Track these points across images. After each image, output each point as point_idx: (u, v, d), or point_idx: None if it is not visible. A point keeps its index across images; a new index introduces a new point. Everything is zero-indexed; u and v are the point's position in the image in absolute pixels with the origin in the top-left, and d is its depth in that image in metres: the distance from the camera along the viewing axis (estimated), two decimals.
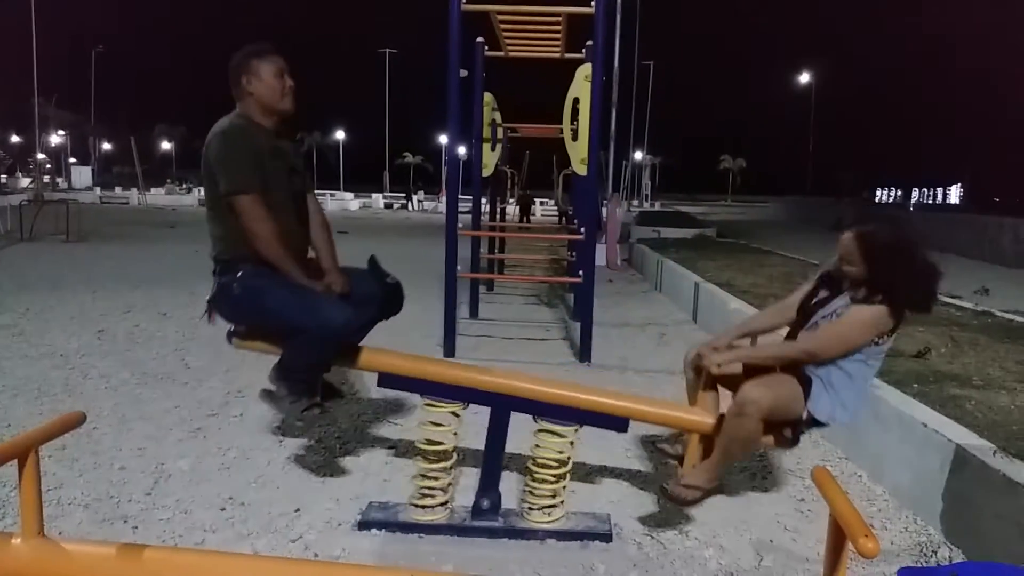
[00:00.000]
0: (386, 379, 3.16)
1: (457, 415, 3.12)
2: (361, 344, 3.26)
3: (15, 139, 65.64)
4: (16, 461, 1.83)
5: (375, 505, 3.30)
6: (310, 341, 2.96)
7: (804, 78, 56.11)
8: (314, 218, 3.32)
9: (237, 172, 2.93)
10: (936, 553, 3.06)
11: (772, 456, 4.11)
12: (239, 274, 3.00)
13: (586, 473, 3.82)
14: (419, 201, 43.70)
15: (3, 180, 52.34)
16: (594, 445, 4.21)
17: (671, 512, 3.34)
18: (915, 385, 4.17)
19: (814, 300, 3.09)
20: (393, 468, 3.80)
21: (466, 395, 3.09)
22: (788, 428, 3.03)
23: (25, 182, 48.95)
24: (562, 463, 3.13)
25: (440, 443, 3.11)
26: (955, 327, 6.11)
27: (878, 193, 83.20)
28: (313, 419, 3.09)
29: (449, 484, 3.19)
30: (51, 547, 1.71)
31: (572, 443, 3.11)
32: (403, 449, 4.01)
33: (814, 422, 2.99)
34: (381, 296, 3.27)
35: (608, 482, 3.76)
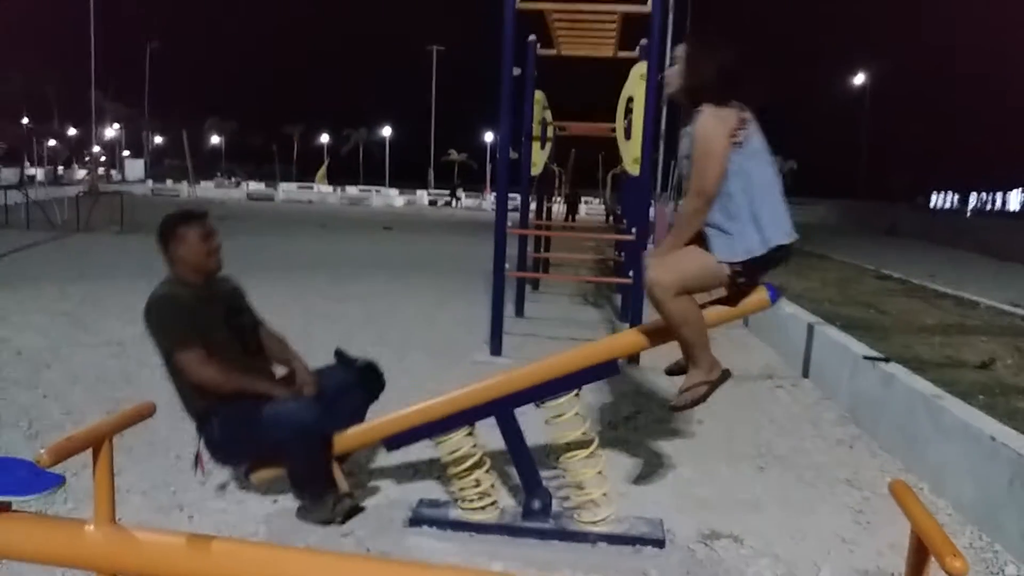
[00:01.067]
0: (390, 441, 3.19)
1: (471, 433, 3.12)
2: (364, 418, 3.36)
3: (72, 131, 67.46)
4: (90, 450, 1.86)
5: (426, 502, 3.30)
6: (296, 447, 3.04)
7: (859, 79, 54.95)
8: (272, 341, 3.42)
9: (169, 335, 3.07)
10: (1003, 571, 2.95)
11: (826, 466, 4.01)
12: (212, 422, 3.11)
13: (637, 476, 3.78)
14: (456, 199, 43.88)
15: (60, 172, 53.87)
16: (643, 446, 4.17)
17: (724, 518, 3.28)
18: (980, 397, 4.04)
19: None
20: (443, 465, 3.79)
21: (465, 418, 3.08)
22: (726, 287, 2.88)
23: (81, 174, 50.29)
24: (585, 444, 3.09)
25: (466, 459, 3.09)
26: (1020, 338, 5.91)
27: (933, 197, 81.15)
28: (348, 510, 3.14)
29: (491, 486, 3.17)
30: (124, 535, 1.73)
31: (579, 414, 3.07)
32: None
33: (744, 267, 2.80)
34: (357, 380, 3.40)
35: (660, 484, 3.70)
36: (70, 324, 6.76)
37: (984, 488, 3.30)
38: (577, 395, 3.08)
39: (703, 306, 2.94)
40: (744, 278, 2.85)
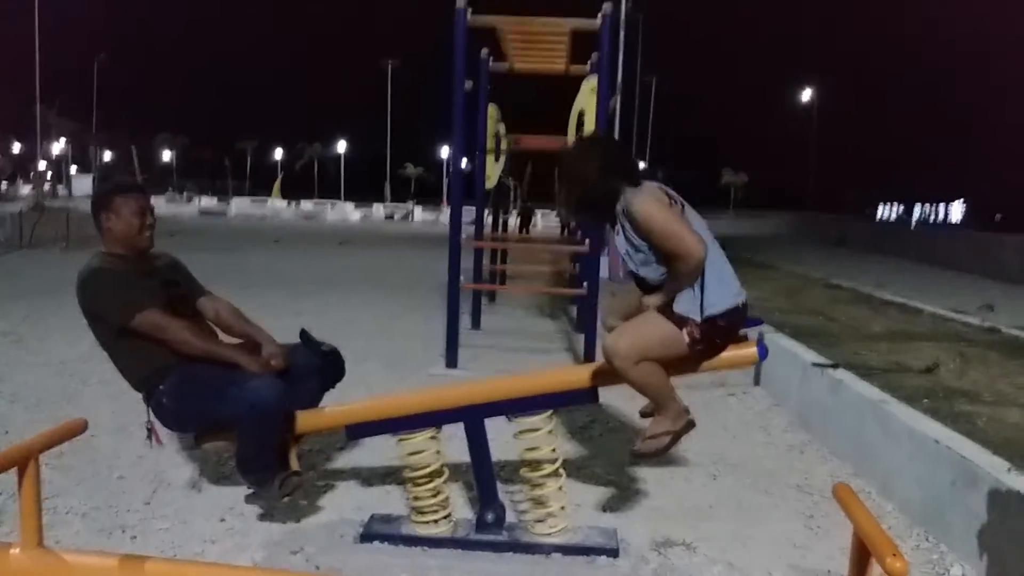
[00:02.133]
0: (353, 430, 3.13)
1: (435, 437, 3.07)
2: (319, 404, 3.27)
3: (17, 147, 65.71)
4: (16, 469, 1.79)
5: (377, 517, 3.24)
6: (251, 425, 2.94)
7: (807, 94, 56.25)
8: (223, 311, 3.32)
9: (120, 300, 2.98)
10: (948, 572, 3.00)
11: (778, 472, 4.06)
12: (160, 387, 3.02)
13: (592, 487, 3.77)
14: (406, 214, 43.78)
15: (3, 188, 52.40)
16: (598, 456, 4.18)
17: (678, 527, 3.29)
18: (925, 400, 4.12)
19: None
20: (395, 479, 3.74)
21: (433, 419, 3.04)
22: (690, 350, 2.84)
23: (26, 190, 48.95)
24: (550, 461, 3.07)
25: (426, 466, 3.05)
26: (963, 343, 6.07)
27: (880, 208, 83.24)
28: (297, 488, 3.07)
29: (446, 498, 3.14)
30: (51, 557, 1.67)
31: (551, 432, 3.05)
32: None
33: (700, 330, 2.79)
34: (320, 365, 3.29)
35: (614, 494, 3.70)
36: (10, 343, 6.55)
37: (929, 490, 3.37)
38: (551, 415, 3.06)
39: (675, 364, 2.91)
40: (703, 345, 2.82)
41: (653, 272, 2.90)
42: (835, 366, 4.80)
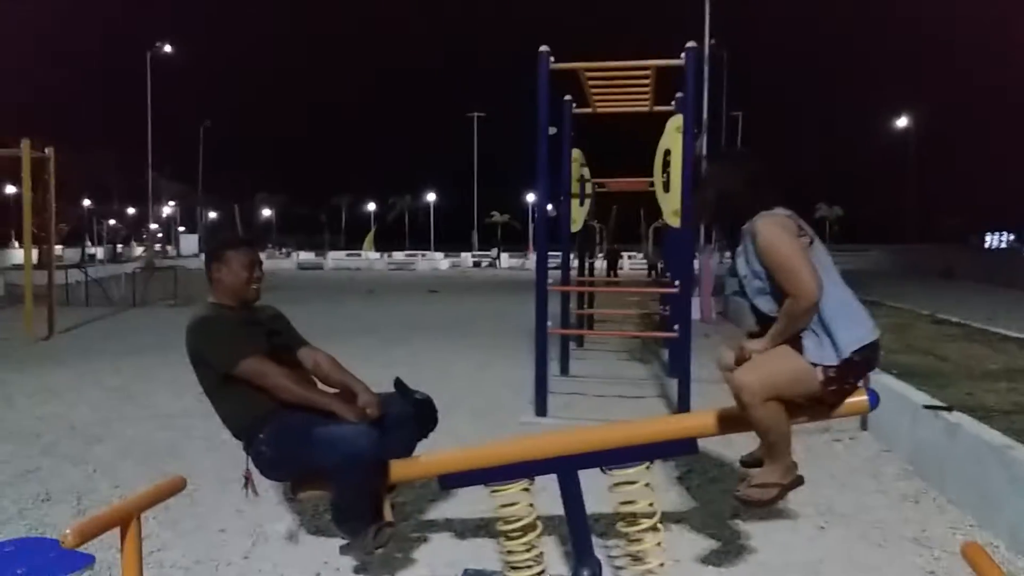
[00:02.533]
0: (445, 480, 3.10)
1: (527, 489, 3.00)
2: (413, 453, 3.28)
3: (131, 210, 70.03)
4: (119, 528, 1.83)
5: (470, 572, 3.19)
6: (346, 474, 2.95)
7: (902, 122, 54.39)
8: (322, 361, 3.41)
9: (226, 347, 3.07)
10: None
11: (892, 524, 3.80)
12: (261, 436, 3.07)
13: (691, 540, 3.61)
14: (493, 260, 44.22)
15: (119, 250, 55.79)
16: (697, 508, 4.02)
17: None
18: None
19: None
20: (489, 532, 3.69)
21: (526, 470, 2.97)
22: (822, 388, 2.70)
23: (139, 251, 51.99)
24: (648, 515, 2.95)
25: (520, 517, 2.98)
26: None
27: (988, 237, 79.03)
28: (390, 539, 3.07)
29: (541, 553, 3.05)
30: None
31: (648, 485, 2.93)
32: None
33: (836, 370, 2.65)
34: (414, 413, 3.30)
35: (715, 548, 3.53)
36: (121, 398, 6.87)
37: None
38: (648, 467, 2.95)
39: (796, 408, 2.80)
40: (836, 384, 2.70)
41: (766, 304, 2.80)
42: (949, 409, 4.50)
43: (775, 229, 2.70)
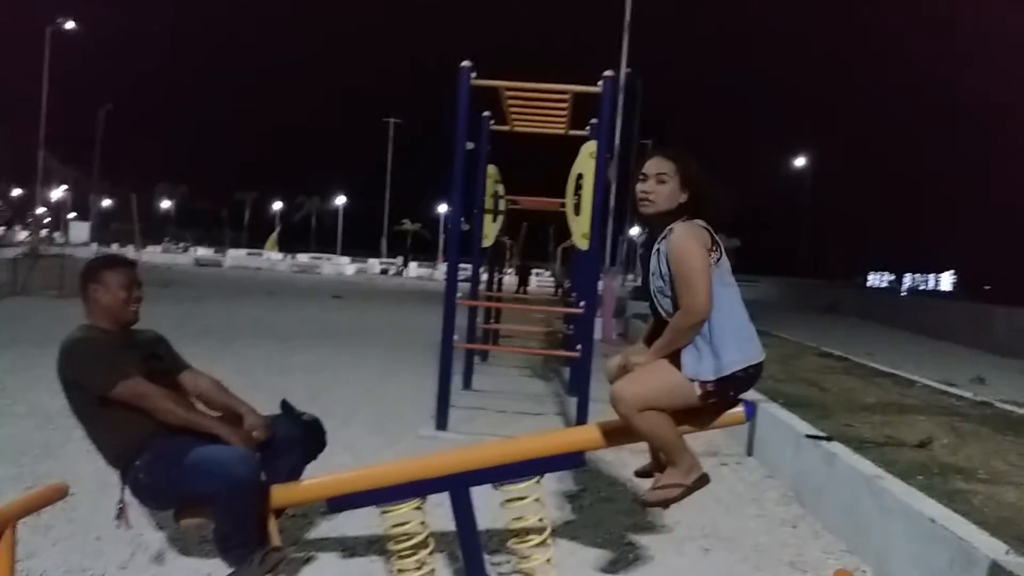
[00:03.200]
0: (334, 503, 3.06)
1: (419, 508, 2.99)
2: (301, 475, 3.22)
3: (16, 191, 66.08)
4: None
5: None
6: (226, 501, 2.88)
7: (800, 161, 57.11)
8: (205, 385, 3.32)
9: (103, 369, 2.97)
10: None
11: (771, 548, 3.98)
12: (138, 463, 2.99)
13: (581, 559, 3.68)
14: (405, 267, 43.99)
15: (1, 232, 52.49)
16: (588, 527, 4.09)
17: None
18: (919, 477, 4.07)
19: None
20: (380, 549, 3.64)
21: (418, 489, 2.97)
22: (701, 402, 2.79)
23: (23, 235, 49.03)
24: (539, 531, 2.99)
25: (412, 536, 2.96)
26: (956, 417, 6.02)
27: (870, 277, 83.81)
28: (278, 563, 2.99)
29: (432, 571, 3.04)
30: None
31: (539, 500, 2.98)
32: None
33: (715, 384, 2.75)
34: (301, 436, 3.26)
35: (604, 567, 3.61)
36: None
37: (926, 570, 3.29)
38: (539, 481, 2.99)
39: (678, 415, 2.87)
40: (715, 398, 2.79)
41: (666, 305, 2.87)
42: (828, 439, 4.75)
43: (690, 239, 2.76)
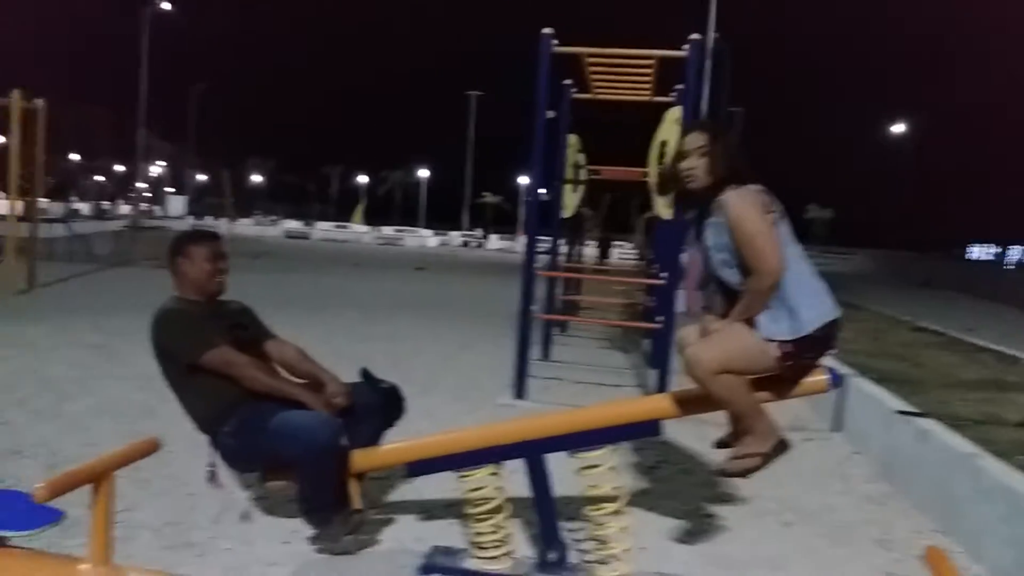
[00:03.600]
0: (413, 467, 3.11)
1: (495, 473, 3.02)
2: (380, 442, 3.29)
3: (119, 168, 69.34)
4: (91, 485, 1.83)
5: (439, 549, 3.22)
6: (309, 466, 2.97)
7: (899, 128, 54.51)
8: (289, 353, 3.41)
9: (192, 338, 3.09)
10: None
11: (856, 525, 3.86)
12: (226, 428, 3.10)
13: (658, 530, 3.65)
14: (480, 242, 44.20)
15: (105, 207, 55.22)
16: (666, 498, 4.06)
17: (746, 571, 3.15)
18: (1020, 457, 3.86)
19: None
20: (458, 512, 3.70)
21: (493, 455, 2.99)
22: (778, 364, 2.73)
23: (125, 209, 51.51)
24: (612, 499, 2.97)
25: (488, 500, 3.00)
26: None
27: (973, 249, 79.72)
28: (359, 526, 3.09)
29: (508, 534, 3.08)
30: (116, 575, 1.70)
31: (613, 468, 2.96)
32: None
33: (794, 345, 2.69)
34: (381, 403, 3.33)
35: (682, 538, 3.57)
36: (100, 356, 6.83)
37: (1023, 553, 3.14)
38: (614, 449, 2.99)
39: (758, 383, 2.83)
40: (793, 360, 2.74)
41: (732, 276, 2.83)
42: (922, 415, 4.55)
43: (746, 204, 2.72)
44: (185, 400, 3.21)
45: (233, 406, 3.09)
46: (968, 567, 3.41)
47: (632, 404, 3.15)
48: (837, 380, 2.91)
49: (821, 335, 2.74)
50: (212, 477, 3.22)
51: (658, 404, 3.09)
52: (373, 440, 3.28)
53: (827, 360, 2.96)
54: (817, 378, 2.87)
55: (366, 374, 3.43)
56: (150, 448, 2.07)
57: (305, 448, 2.92)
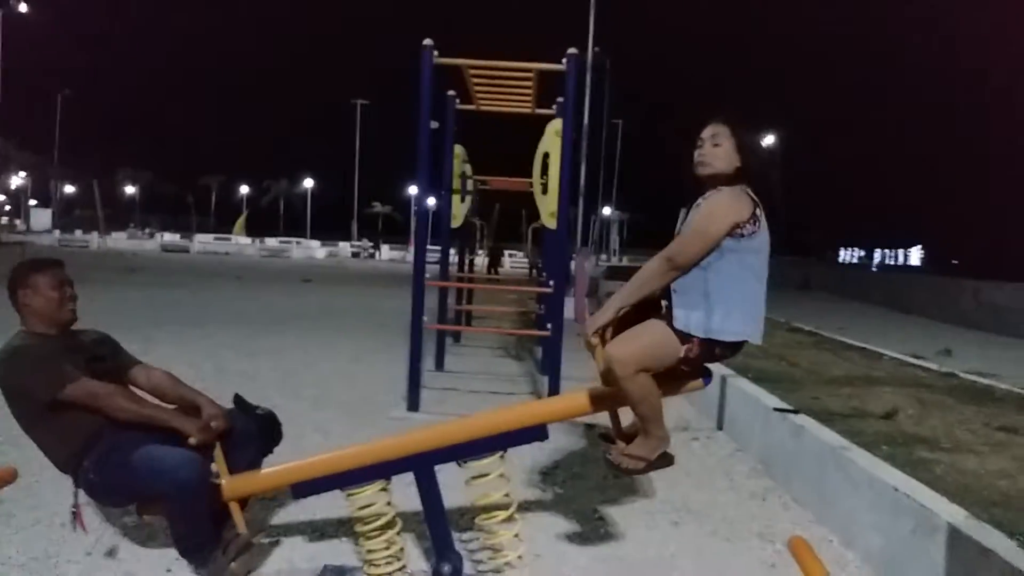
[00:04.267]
0: (298, 489, 3.00)
1: (385, 489, 2.96)
2: (260, 468, 3.16)
3: None
4: None
5: (330, 569, 3.14)
6: (176, 505, 2.84)
7: (769, 139, 57.45)
8: (158, 378, 3.24)
9: (48, 375, 2.86)
10: None
11: (740, 520, 4.02)
12: (86, 463, 2.91)
13: (553, 535, 3.69)
14: (370, 252, 43.76)
15: None
16: (560, 503, 4.11)
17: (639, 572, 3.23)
18: (884, 447, 4.13)
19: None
20: (350, 528, 3.63)
21: (380, 471, 2.94)
22: (678, 363, 2.79)
23: None
24: (504, 506, 2.98)
25: (378, 517, 2.93)
26: (922, 388, 6.13)
27: (842, 253, 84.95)
28: (244, 550, 2.94)
29: (401, 549, 3.03)
30: None
31: (503, 475, 2.96)
32: None
33: (704, 345, 2.74)
34: (256, 430, 3.20)
35: (576, 543, 3.63)
36: None
37: (890, 539, 3.35)
38: (502, 456, 2.97)
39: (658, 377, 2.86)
40: (693, 364, 2.79)
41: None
42: (796, 412, 4.80)
43: (726, 205, 2.72)
44: (41, 440, 2.98)
45: (91, 439, 2.88)
46: (842, 554, 3.61)
47: (517, 410, 3.15)
48: (708, 379, 3.00)
49: (725, 349, 2.79)
50: (75, 518, 3.00)
51: (543, 408, 3.12)
52: (253, 465, 3.13)
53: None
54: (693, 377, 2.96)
55: (239, 400, 3.28)
56: (6, 478, 1.93)
57: (169, 486, 2.76)
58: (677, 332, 2.75)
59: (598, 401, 2.98)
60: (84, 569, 3.13)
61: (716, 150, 2.82)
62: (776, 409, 4.90)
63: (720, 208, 2.71)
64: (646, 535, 3.78)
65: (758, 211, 2.77)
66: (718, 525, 3.94)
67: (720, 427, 5.92)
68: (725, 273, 2.73)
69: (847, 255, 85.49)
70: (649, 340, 2.76)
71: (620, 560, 3.46)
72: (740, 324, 2.77)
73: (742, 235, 2.72)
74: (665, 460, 2.93)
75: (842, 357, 8.07)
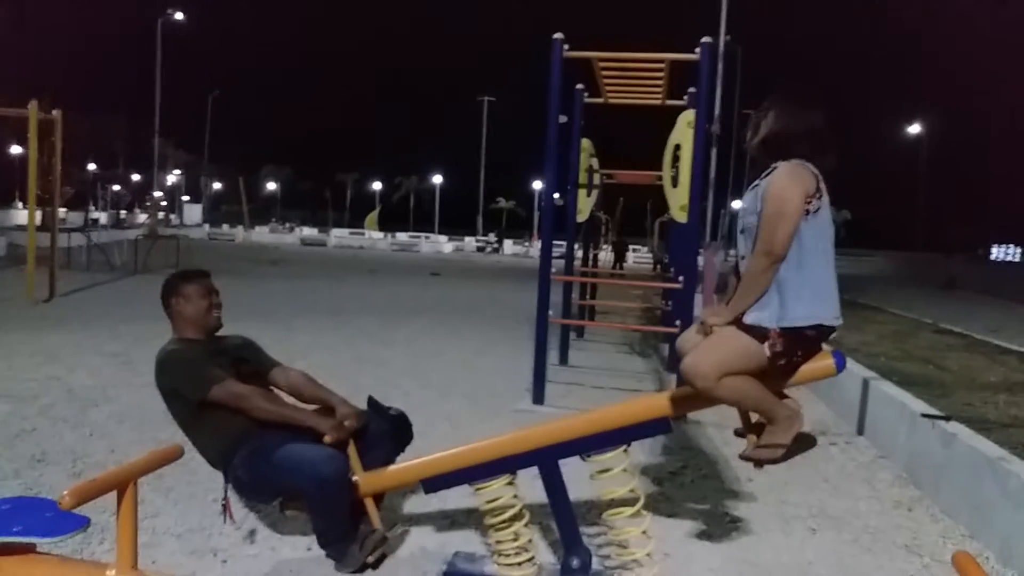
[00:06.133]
0: (429, 483, 3.07)
1: (511, 482, 2.98)
2: (395, 463, 3.26)
3: (135, 177, 69.91)
4: (115, 492, 1.84)
5: (461, 556, 3.20)
6: (316, 500, 2.97)
7: (915, 128, 54.03)
8: (296, 379, 3.39)
9: (198, 376, 3.06)
10: None
11: (883, 530, 3.81)
12: (235, 460, 3.08)
13: (682, 536, 3.62)
14: (494, 247, 44.23)
15: (123, 216, 55.76)
16: (689, 504, 4.02)
17: None
18: None
19: None
20: (479, 518, 3.69)
21: (506, 466, 2.96)
22: (770, 363, 2.67)
23: (142, 218, 52.01)
24: (631, 501, 2.93)
25: (505, 510, 2.96)
26: None
27: (994, 250, 78.90)
28: (379, 546, 3.05)
29: (529, 541, 3.05)
30: None
31: (627, 471, 2.91)
32: None
33: (784, 336, 2.63)
34: (390, 430, 3.32)
35: (707, 545, 3.54)
36: (120, 364, 6.88)
37: None
38: (626, 450, 2.95)
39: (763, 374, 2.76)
40: (784, 358, 2.67)
41: (743, 244, 2.81)
42: (948, 418, 4.49)
43: (789, 181, 2.65)
44: (195, 438, 3.21)
45: (240, 438, 3.08)
46: (999, 571, 3.36)
47: (640, 403, 3.11)
48: (842, 363, 2.83)
49: (810, 335, 2.67)
50: (225, 510, 3.19)
51: (666, 401, 3.05)
52: (387, 462, 3.26)
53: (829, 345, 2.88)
54: (824, 363, 2.80)
55: (372, 402, 3.43)
56: (173, 455, 2.08)
57: (310, 481, 2.92)
58: (750, 330, 2.66)
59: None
60: (233, 541, 3.33)
61: (770, 129, 2.81)
62: (925, 415, 4.60)
63: (784, 185, 2.64)
64: (782, 540, 3.64)
65: (821, 184, 2.69)
66: (859, 534, 3.75)
67: (861, 432, 5.63)
68: (795, 258, 2.64)
69: (1000, 252, 79.26)
70: (725, 347, 2.68)
71: (753, 565, 3.35)
72: (809, 307, 2.66)
73: (808, 211, 2.64)
74: (806, 442, 2.82)
75: (997, 361, 7.49)
